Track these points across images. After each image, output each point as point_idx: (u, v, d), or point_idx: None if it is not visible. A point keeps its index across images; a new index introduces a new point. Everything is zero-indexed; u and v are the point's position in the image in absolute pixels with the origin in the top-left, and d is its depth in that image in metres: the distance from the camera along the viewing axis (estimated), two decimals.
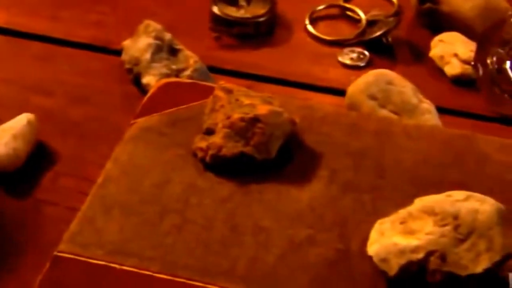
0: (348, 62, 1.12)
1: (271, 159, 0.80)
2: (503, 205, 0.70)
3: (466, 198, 0.69)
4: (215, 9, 1.15)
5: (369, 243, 0.71)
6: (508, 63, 1.05)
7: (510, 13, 1.05)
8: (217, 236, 0.73)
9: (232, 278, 0.69)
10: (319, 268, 0.71)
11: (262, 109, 0.80)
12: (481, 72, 1.05)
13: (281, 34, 1.17)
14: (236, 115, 0.80)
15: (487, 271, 0.66)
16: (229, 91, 0.83)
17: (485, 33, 1.06)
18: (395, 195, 0.77)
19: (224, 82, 0.85)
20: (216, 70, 1.07)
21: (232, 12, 1.16)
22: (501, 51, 1.05)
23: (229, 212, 0.75)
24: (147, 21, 1.07)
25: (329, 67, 1.12)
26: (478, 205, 0.68)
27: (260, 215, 0.75)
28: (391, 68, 1.08)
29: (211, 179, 0.78)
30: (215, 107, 0.82)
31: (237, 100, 0.82)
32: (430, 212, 0.69)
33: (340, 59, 1.13)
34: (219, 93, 0.83)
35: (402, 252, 0.68)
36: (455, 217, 0.68)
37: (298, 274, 0.70)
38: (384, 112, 0.95)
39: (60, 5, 1.18)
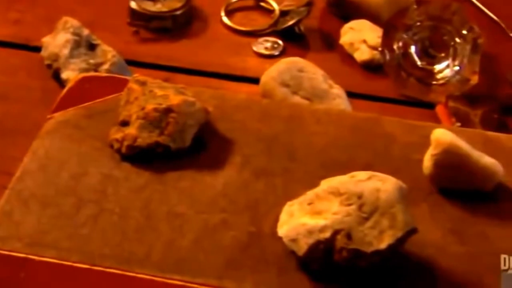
0: (262, 51, 1.12)
1: (186, 147, 0.79)
2: (407, 183, 0.70)
3: (369, 178, 0.69)
4: (133, 4, 1.14)
5: (279, 224, 0.71)
6: (412, 48, 1.06)
7: (412, 0, 1.06)
8: (133, 224, 0.72)
9: (147, 265, 0.69)
10: (232, 251, 0.70)
11: (175, 100, 0.79)
12: (388, 57, 1.06)
13: (197, 27, 1.16)
14: (150, 106, 0.79)
15: (390, 247, 0.66)
16: (143, 83, 0.82)
17: (391, 20, 1.07)
18: (305, 178, 0.77)
19: (138, 74, 0.84)
20: (135, 64, 1.06)
21: (149, 6, 1.14)
22: (405, 36, 1.06)
23: (145, 200, 0.74)
24: (65, 18, 1.06)
25: (244, 57, 1.12)
26: (380, 184, 0.68)
27: (175, 202, 0.75)
28: (304, 55, 1.08)
29: (127, 169, 0.77)
30: (129, 99, 0.81)
31: (150, 91, 0.81)
32: (335, 192, 0.69)
33: (255, 48, 1.12)
34: (133, 85, 0.82)
35: (310, 232, 0.68)
36: (359, 196, 0.68)
37: (213, 258, 0.70)
38: (296, 98, 0.95)
39: None
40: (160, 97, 0.80)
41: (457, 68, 1.05)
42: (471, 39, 1.04)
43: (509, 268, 0.70)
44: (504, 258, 0.71)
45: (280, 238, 0.70)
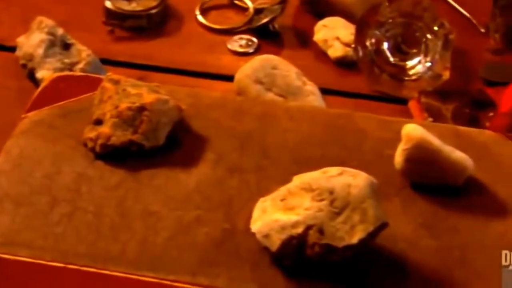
0: (237, 49, 1.12)
1: (160, 145, 0.79)
2: (379, 178, 0.70)
3: (340, 173, 0.69)
4: (108, 4, 1.14)
5: (252, 220, 0.71)
6: (385, 44, 1.06)
7: None
8: (107, 222, 0.72)
9: (122, 262, 0.69)
10: (206, 248, 0.70)
11: (149, 98, 0.79)
12: (361, 53, 1.06)
13: (173, 25, 1.16)
14: (123, 105, 0.79)
15: (361, 242, 0.66)
16: (116, 82, 0.81)
17: (363, 17, 1.07)
18: (278, 174, 0.77)
19: (111, 73, 0.84)
20: (110, 63, 1.06)
21: (124, 5, 1.14)
22: (378, 33, 1.06)
23: (119, 198, 0.74)
24: (39, 18, 1.05)
25: (219, 55, 1.11)
26: (351, 179, 0.68)
27: (149, 200, 0.74)
28: (278, 53, 1.08)
29: (102, 167, 0.77)
30: (103, 98, 0.81)
31: (124, 90, 0.80)
32: (307, 188, 0.69)
33: (229, 46, 1.12)
34: (106, 84, 0.81)
35: (283, 227, 0.68)
36: (331, 192, 0.68)
37: (187, 255, 0.70)
38: (270, 96, 0.95)
39: None
40: (133, 95, 0.80)
41: (429, 64, 1.05)
42: (442, 35, 1.04)
43: (510, 264, 0.70)
44: (506, 254, 0.71)
45: (254, 234, 0.70)
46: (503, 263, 0.70)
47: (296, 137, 0.82)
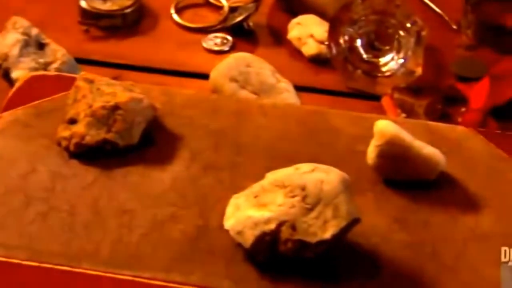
0: (212, 47, 1.12)
1: (134, 144, 0.79)
2: (352, 174, 0.71)
3: (313, 170, 0.69)
4: (83, 3, 1.14)
5: (225, 217, 0.71)
6: (358, 41, 1.07)
7: None
8: (81, 221, 0.72)
9: (96, 261, 0.68)
10: (180, 245, 0.70)
11: (123, 97, 0.79)
12: (334, 51, 1.06)
13: (147, 24, 1.16)
14: (97, 104, 0.79)
15: (334, 237, 0.67)
16: (90, 81, 0.81)
17: (337, 15, 1.07)
18: (252, 171, 0.77)
19: (85, 72, 0.83)
20: (85, 62, 1.06)
21: (99, 5, 1.14)
22: (351, 30, 1.06)
23: (94, 197, 0.74)
24: (14, 18, 1.04)
25: (194, 53, 1.11)
26: (324, 176, 0.68)
27: (124, 198, 0.74)
28: (252, 51, 1.08)
29: (76, 166, 0.77)
30: (77, 97, 0.80)
31: (98, 89, 0.80)
32: (280, 185, 0.69)
33: (204, 45, 1.12)
34: (80, 83, 0.81)
35: (256, 224, 0.68)
36: (303, 188, 0.68)
37: (161, 252, 0.70)
38: (244, 93, 0.95)
39: None
40: (107, 94, 0.79)
41: (401, 60, 1.05)
42: (414, 32, 1.05)
43: (509, 260, 0.70)
44: (505, 250, 0.71)
45: (227, 231, 0.70)
46: (502, 259, 0.70)
47: (270, 134, 0.82)
